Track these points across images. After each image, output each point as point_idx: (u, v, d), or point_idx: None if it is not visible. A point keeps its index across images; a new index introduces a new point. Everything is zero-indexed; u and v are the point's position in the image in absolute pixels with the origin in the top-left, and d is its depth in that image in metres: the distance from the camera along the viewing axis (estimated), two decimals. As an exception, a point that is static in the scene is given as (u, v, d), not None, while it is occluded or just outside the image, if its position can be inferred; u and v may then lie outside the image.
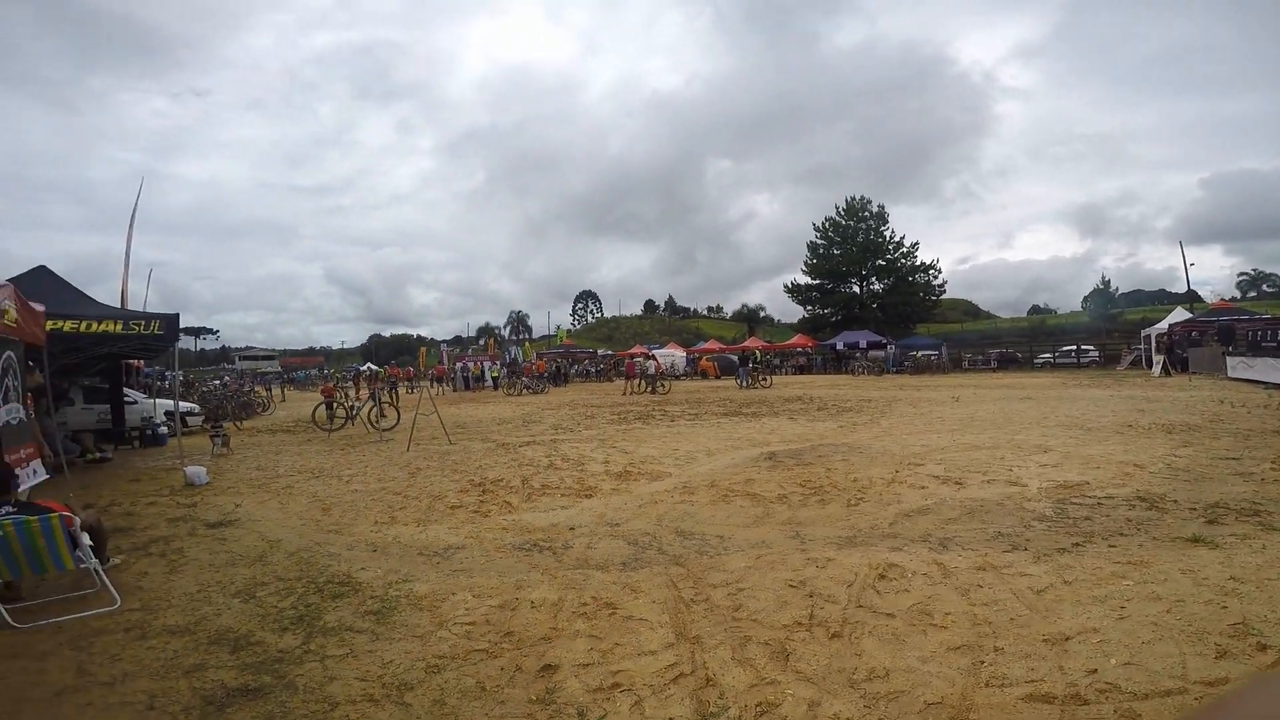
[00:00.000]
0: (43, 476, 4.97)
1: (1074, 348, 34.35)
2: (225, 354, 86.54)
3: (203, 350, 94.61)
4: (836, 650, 2.95)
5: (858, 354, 36.67)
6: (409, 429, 11.01)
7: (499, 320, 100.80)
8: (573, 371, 37.49)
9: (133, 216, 9.79)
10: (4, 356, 4.58)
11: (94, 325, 7.25)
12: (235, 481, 7.84)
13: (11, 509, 3.59)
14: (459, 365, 35.96)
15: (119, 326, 7.41)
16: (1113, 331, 41.28)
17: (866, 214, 52.20)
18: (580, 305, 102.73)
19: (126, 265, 9.62)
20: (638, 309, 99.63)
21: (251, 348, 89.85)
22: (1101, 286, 59.10)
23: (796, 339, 43.48)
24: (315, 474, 8.21)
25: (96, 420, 12.99)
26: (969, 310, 78.31)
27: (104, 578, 3.66)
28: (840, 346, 39.31)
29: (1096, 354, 32.82)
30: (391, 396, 14.80)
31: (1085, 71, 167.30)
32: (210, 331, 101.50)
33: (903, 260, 50.62)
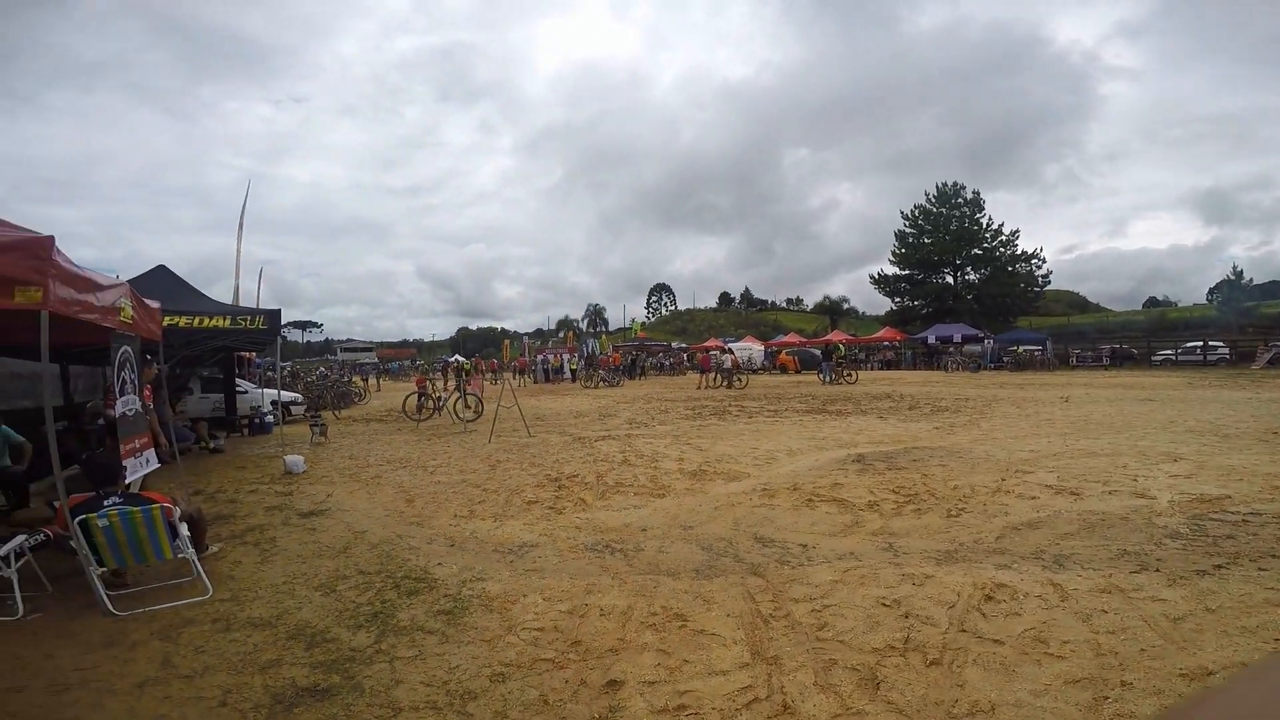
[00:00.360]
0: (154, 465, 5.37)
1: (1200, 344, 30.51)
2: (328, 346, 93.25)
3: (309, 342, 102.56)
4: (934, 680, 2.63)
5: (951, 349, 34.39)
6: (491, 421, 11.25)
7: (577, 313, 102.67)
8: (648, 365, 37.53)
9: (241, 217, 10.55)
10: (122, 351, 4.96)
11: (205, 321, 7.84)
12: (329, 470, 8.27)
13: (119, 499, 3.83)
14: (539, 358, 36.93)
15: (227, 322, 7.98)
16: (1246, 326, 36.41)
17: (960, 200, 48.91)
18: (654, 298, 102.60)
19: (238, 263, 10.39)
20: (712, 301, 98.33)
21: (352, 340, 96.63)
22: (1232, 277, 51.98)
23: (884, 332, 41.34)
24: (402, 464, 8.52)
25: (212, 409, 14.24)
26: (1074, 303, 71.66)
27: (199, 567, 3.86)
28: (932, 340, 37.00)
29: (1226, 351, 29.02)
30: (478, 388, 15.21)
31: (1200, 50, 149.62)
32: (315, 325, 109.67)
33: (1001, 249, 47.05)
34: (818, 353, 34.11)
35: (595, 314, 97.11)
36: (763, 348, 39.24)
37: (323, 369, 34.14)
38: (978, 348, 32.61)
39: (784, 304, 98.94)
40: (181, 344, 9.45)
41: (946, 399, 15.33)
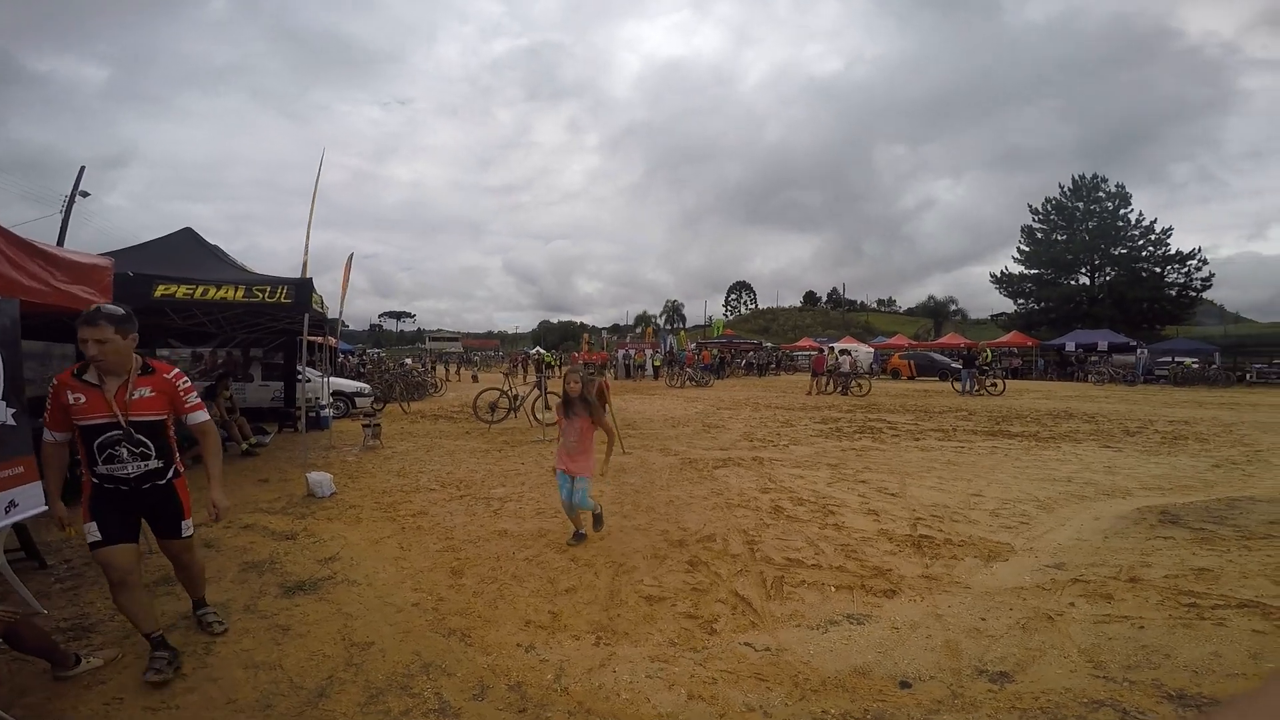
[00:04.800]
0: (35, 509, 3.20)
1: None
2: (420, 335, 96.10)
3: (402, 331, 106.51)
4: None
5: (1095, 357, 29.25)
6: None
7: (655, 309, 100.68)
8: (739, 364, 34.43)
9: (315, 190, 8.66)
10: None
11: (211, 291, 5.83)
12: (362, 496, 6.06)
13: None
14: (620, 353, 34.66)
15: (240, 293, 5.94)
16: None
17: (1100, 194, 42.82)
18: (734, 296, 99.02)
19: (307, 243, 8.53)
20: (795, 300, 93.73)
21: (441, 330, 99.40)
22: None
23: (1010, 337, 36.20)
24: (460, 491, 6.20)
25: (271, 399, 12.70)
26: (1207, 311, 61.86)
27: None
28: (1070, 347, 31.86)
29: None
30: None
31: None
32: (409, 315, 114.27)
33: (1150, 249, 40.58)
34: (940, 357, 30.05)
35: (673, 310, 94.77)
36: (870, 349, 35.17)
37: (408, 360, 33.35)
38: (1130, 357, 27.44)
39: (875, 305, 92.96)
40: (240, 325, 7.70)
41: (1159, 420, 11.59)
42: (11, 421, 3.13)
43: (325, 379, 12.88)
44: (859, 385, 18.42)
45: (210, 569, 4.02)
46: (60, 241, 18.69)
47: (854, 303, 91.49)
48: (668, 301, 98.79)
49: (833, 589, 3.57)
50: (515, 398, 12.28)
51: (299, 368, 13.32)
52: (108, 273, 4.07)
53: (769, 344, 46.62)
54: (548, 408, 12.49)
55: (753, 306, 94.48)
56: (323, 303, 8.10)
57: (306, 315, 6.46)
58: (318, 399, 12.67)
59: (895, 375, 29.34)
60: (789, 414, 13.03)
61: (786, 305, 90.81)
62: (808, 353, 34.09)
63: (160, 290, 5.64)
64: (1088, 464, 7.19)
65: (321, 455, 8.59)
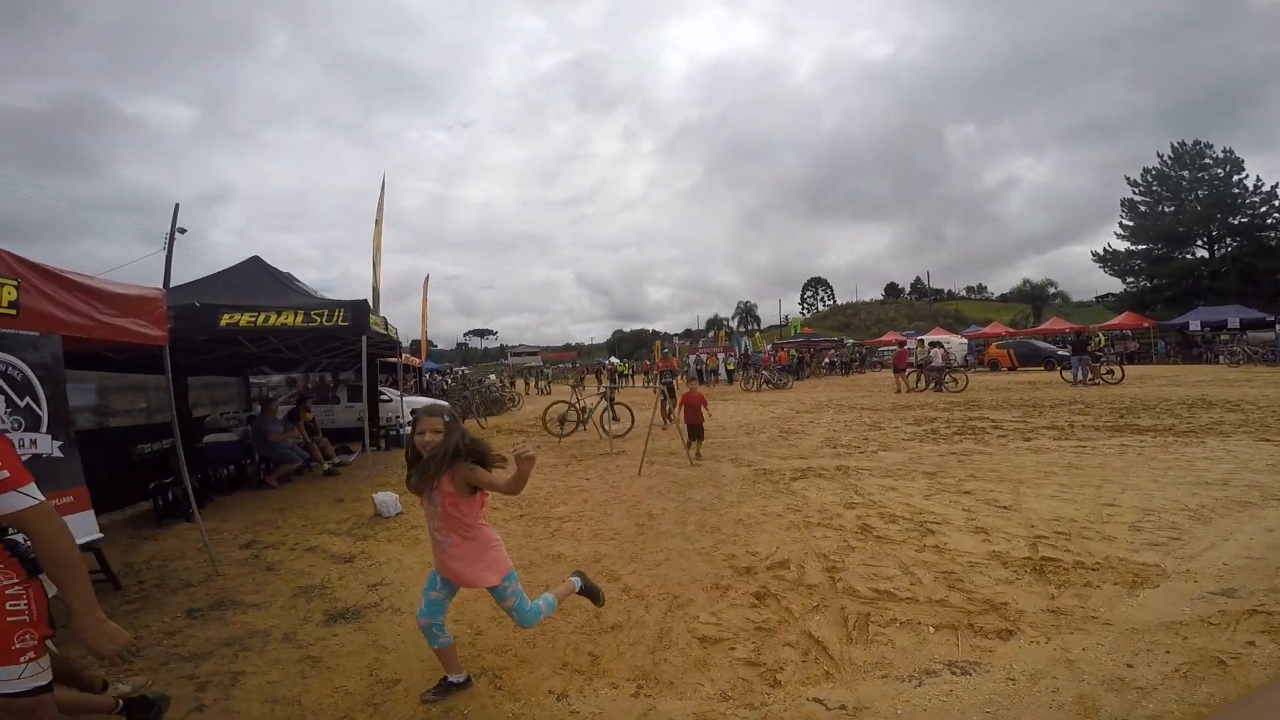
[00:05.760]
0: (88, 537, 3.20)
1: None
2: (502, 351, 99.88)
3: (486, 348, 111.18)
4: None
5: (1226, 336, 25.72)
6: (644, 439, 8.41)
7: (726, 312, 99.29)
8: (821, 364, 33.00)
9: (378, 214, 8.88)
10: None
11: (272, 318, 5.98)
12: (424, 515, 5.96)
13: None
14: (692, 358, 34.15)
15: (299, 318, 6.04)
16: None
17: (1206, 161, 38.55)
18: (809, 293, 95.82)
19: (375, 263, 8.76)
20: (876, 293, 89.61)
21: (522, 345, 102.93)
22: None
23: (1123, 318, 32.64)
24: (522, 508, 5.97)
25: (357, 419, 13.19)
26: None
27: None
28: (1194, 326, 28.27)
29: None
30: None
31: None
32: (491, 332, 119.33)
33: (1276, 215, 35.90)
34: (1044, 344, 27.50)
35: (746, 311, 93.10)
36: (963, 340, 32.73)
37: (491, 376, 34.31)
38: (1268, 334, 23.88)
39: (964, 292, 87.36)
40: (264, 346, 8.00)
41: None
42: (59, 454, 3.14)
43: (401, 398, 13.21)
44: (954, 380, 16.98)
45: (265, 592, 3.97)
46: (166, 277, 20.49)
47: (940, 292, 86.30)
48: (739, 303, 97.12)
49: (931, 629, 2.97)
50: (583, 410, 12.09)
51: (381, 389, 13.86)
52: (159, 304, 4.12)
53: (851, 340, 44.56)
54: (616, 419, 12.28)
55: (830, 303, 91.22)
56: (386, 324, 8.20)
57: (365, 337, 6.48)
58: (397, 418, 13.04)
59: (994, 366, 27.02)
60: (877, 415, 12.08)
61: (867, 299, 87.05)
62: (894, 348, 32.15)
63: (226, 319, 5.81)
64: (1245, 462, 6.01)
65: (397, 474, 8.67)
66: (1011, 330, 37.60)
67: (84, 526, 3.22)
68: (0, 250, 2.86)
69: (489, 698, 2.56)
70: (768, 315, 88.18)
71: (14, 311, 2.89)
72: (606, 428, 10.94)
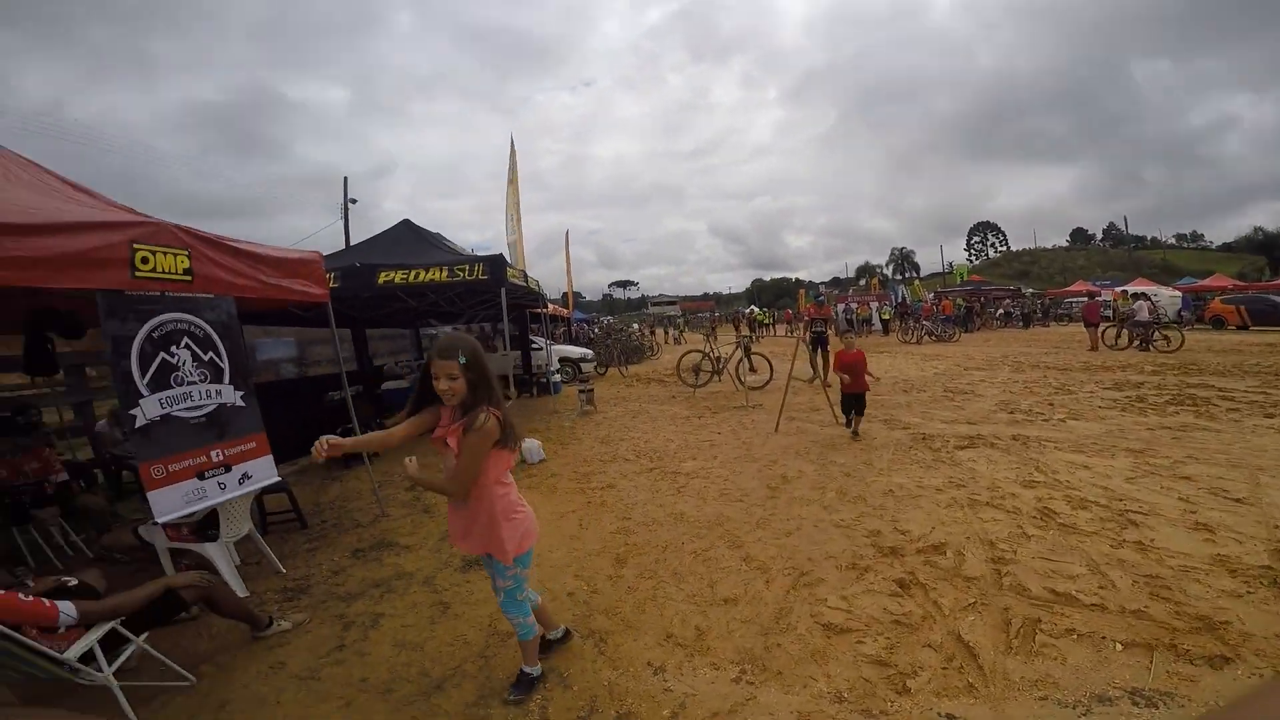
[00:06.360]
0: (267, 480, 3.62)
1: None
2: (643, 301, 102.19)
3: (628, 299, 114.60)
4: None
5: None
6: (783, 392, 7.96)
7: (879, 259, 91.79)
8: (995, 315, 29.29)
9: (511, 174, 9.13)
10: (162, 321, 3.20)
11: (421, 274, 6.45)
12: (565, 463, 6.19)
13: None
14: (840, 307, 32.02)
15: (444, 274, 6.44)
16: None
17: None
18: (977, 239, 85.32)
19: (511, 220, 9.10)
20: (1059, 239, 77.96)
21: (662, 295, 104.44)
22: None
23: None
24: (651, 463, 5.95)
25: (514, 366, 14.11)
26: None
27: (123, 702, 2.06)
28: None
29: None
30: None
31: None
32: (632, 283, 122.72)
33: None
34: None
35: (902, 258, 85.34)
36: (1175, 293, 27.08)
37: (635, 325, 35.17)
38: None
39: (1172, 241, 72.77)
40: (422, 300, 8.66)
41: None
42: (240, 403, 3.56)
43: (548, 347, 13.82)
44: (1165, 338, 14.06)
45: (418, 535, 4.31)
46: (346, 243, 23.15)
47: (1142, 239, 72.96)
48: (894, 249, 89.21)
49: (1117, 645, 2.39)
50: (718, 360, 11.79)
51: (531, 338, 14.65)
52: (317, 265, 4.50)
53: (1030, 290, 39.02)
54: (753, 369, 11.83)
55: (1003, 249, 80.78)
56: (525, 277, 8.48)
57: (504, 289, 6.74)
58: (546, 366, 13.74)
59: (1218, 324, 22.02)
60: (1065, 376, 10.37)
61: (1049, 245, 76.15)
62: (1083, 298, 27.51)
63: (383, 277, 6.35)
64: None
65: (544, 420, 9.13)
66: (1239, 284, 30.37)
67: (264, 470, 3.67)
68: (172, 225, 3.21)
69: (590, 661, 2.52)
70: (927, 262, 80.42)
71: (189, 278, 3.26)
72: (742, 379, 10.57)
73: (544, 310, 13.95)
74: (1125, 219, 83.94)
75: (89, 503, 4.35)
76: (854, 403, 6.49)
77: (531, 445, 6.50)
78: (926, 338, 21.38)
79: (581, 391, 9.99)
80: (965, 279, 42.03)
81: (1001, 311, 29.50)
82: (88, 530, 4.40)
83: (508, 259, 8.18)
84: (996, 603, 2.79)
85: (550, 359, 13.88)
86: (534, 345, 14.63)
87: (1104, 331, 15.50)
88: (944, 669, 2.32)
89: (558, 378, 13.48)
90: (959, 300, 28.52)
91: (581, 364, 15.63)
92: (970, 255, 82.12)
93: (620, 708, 2.21)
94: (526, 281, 8.06)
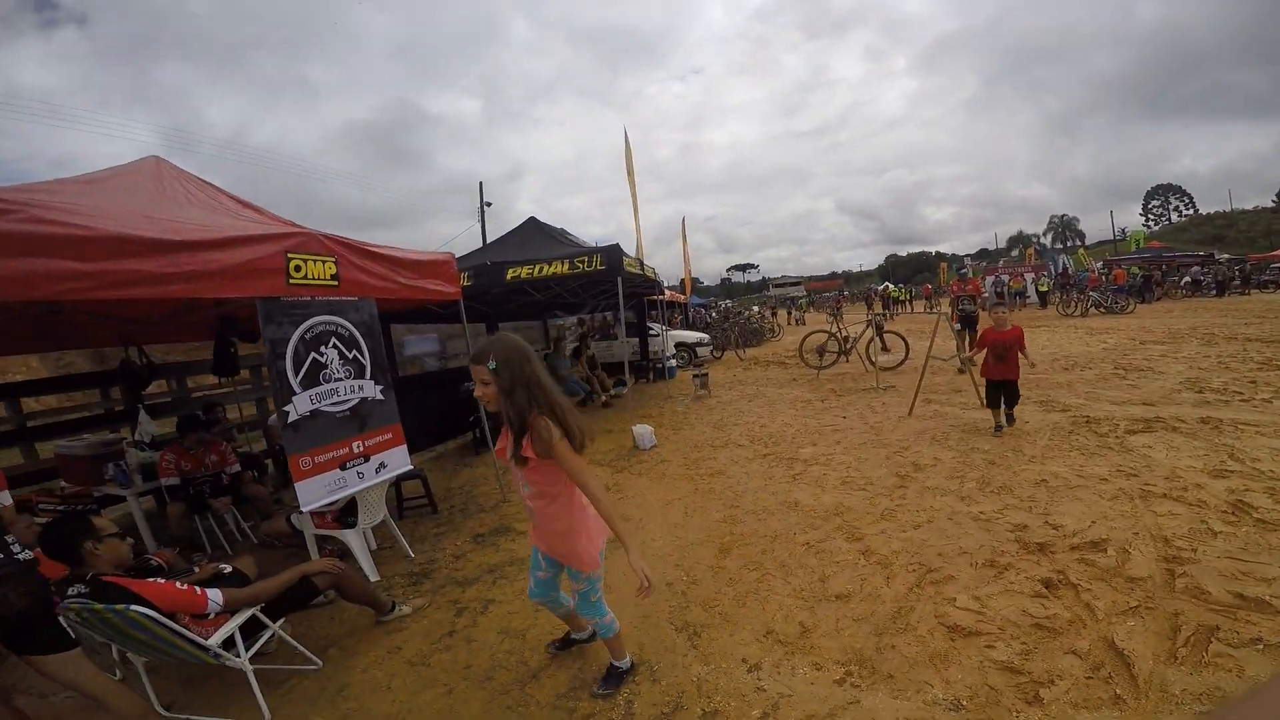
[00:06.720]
0: (402, 468, 3.95)
1: None
2: (764, 284, 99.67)
3: (749, 282, 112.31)
4: None
5: None
6: (918, 374, 7.36)
7: (1034, 228, 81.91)
8: (1180, 283, 25.00)
9: (629, 164, 9.28)
10: (316, 324, 3.56)
11: (544, 268, 6.78)
12: (676, 448, 6.19)
13: (83, 588, 2.22)
14: (989, 279, 28.98)
15: (565, 267, 6.69)
16: None
17: None
18: (1156, 203, 73.57)
19: (635, 206, 9.25)
20: (1261, 200, 65.21)
21: (785, 276, 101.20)
22: None
23: None
24: (765, 448, 5.77)
25: (631, 353, 14.39)
26: None
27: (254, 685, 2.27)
28: None
29: None
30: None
31: None
32: (752, 266, 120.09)
33: None
34: None
35: (1064, 226, 75.62)
36: None
37: (755, 307, 34.51)
38: None
39: None
40: (548, 293, 9.03)
41: None
42: (380, 396, 3.92)
43: (664, 332, 13.88)
44: None
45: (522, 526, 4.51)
46: (483, 244, 24.73)
47: None
48: (1053, 217, 79.06)
49: None
50: (846, 340, 11.14)
51: (649, 324, 14.84)
52: (450, 266, 4.83)
53: (1225, 256, 32.77)
54: (885, 349, 11.04)
55: (1189, 213, 69.06)
56: (641, 265, 8.56)
57: (620, 278, 6.86)
58: (662, 351, 13.84)
59: None
60: (1272, 350, 8.58)
61: (1248, 207, 64.02)
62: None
63: (510, 273, 6.74)
64: None
65: (658, 406, 9.21)
66: None
67: (399, 460, 4.01)
68: (320, 234, 3.58)
69: (681, 655, 2.47)
70: (1094, 230, 70.71)
71: (335, 282, 3.62)
72: (873, 359, 9.91)
73: (660, 297, 14.04)
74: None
75: (253, 492, 4.93)
76: (1004, 392, 5.38)
77: (644, 431, 6.56)
78: (1093, 309, 18.76)
79: (695, 376, 9.94)
80: (1142, 245, 36.23)
81: (1188, 279, 25.09)
82: (254, 518, 5.05)
83: (631, 249, 8.37)
84: (1165, 607, 2.37)
85: (666, 344, 13.96)
86: (651, 332, 14.79)
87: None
88: (1088, 678, 2.01)
89: (673, 362, 13.53)
90: (1134, 269, 24.70)
91: (697, 348, 15.56)
92: (1148, 221, 71.22)
93: (708, 705, 2.14)
94: (643, 270, 8.16)
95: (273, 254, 3.36)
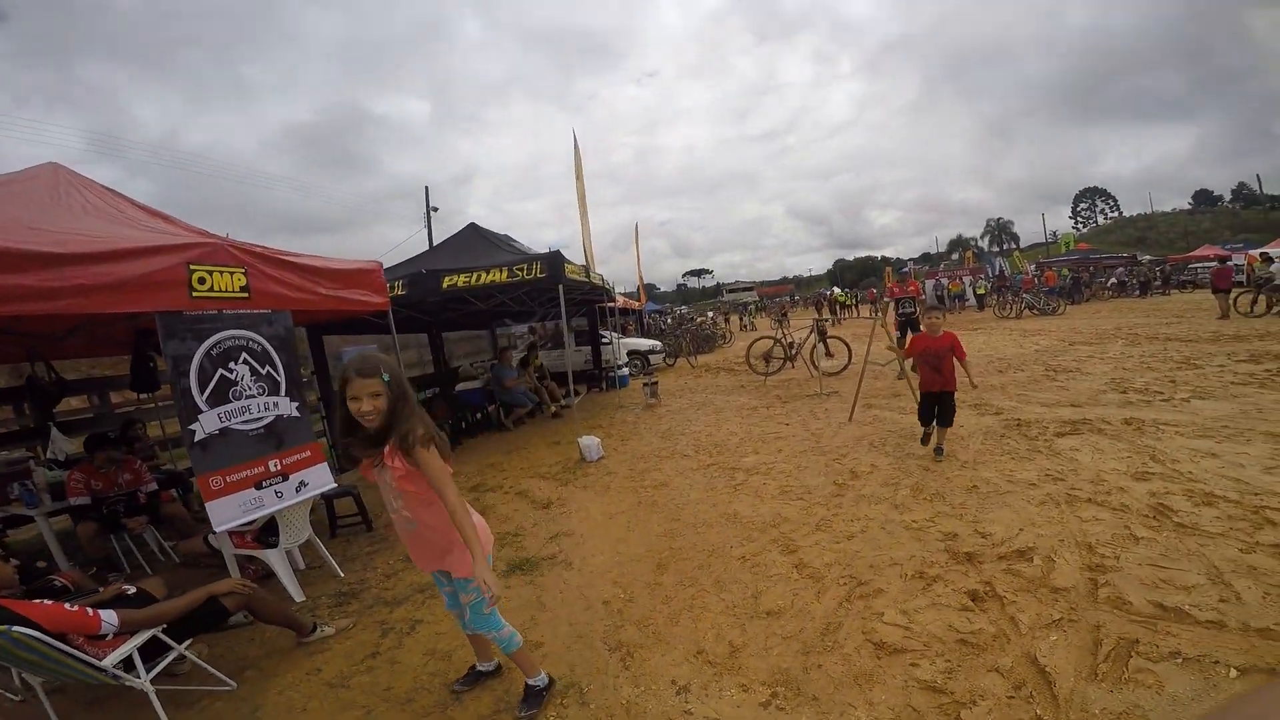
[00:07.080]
0: (324, 487, 3.74)
1: None
2: (719, 289, 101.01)
3: (704, 287, 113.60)
4: None
5: None
6: (858, 378, 7.48)
7: (973, 231, 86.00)
8: (1106, 284, 26.51)
9: (578, 170, 9.12)
10: (222, 339, 3.34)
11: (483, 276, 6.55)
12: (623, 460, 6.10)
13: None
14: (930, 283, 30.09)
15: (504, 275, 6.50)
16: None
17: None
18: (1084, 205, 78.46)
19: (582, 215, 9.07)
20: (1179, 202, 70.38)
21: (738, 281, 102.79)
22: None
23: None
24: (711, 457, 5.75)
25: (584, 362, 14.22)
26: None
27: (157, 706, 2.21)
28: None
29: None
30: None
31: None
32: (706, 271, 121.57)
33: None
34: None
35: (999, 229, 79.63)
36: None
37: (709, 313, 34.82)
38: None
39: None
40: (490, 302, 8.82)
41: None
42: (295, 413, 3.70)
43: (616, 340, 13.79)
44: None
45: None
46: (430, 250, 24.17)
47: (1277, 198, 64.51)
48: (990, 220, 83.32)
49: (1233, 671, 1.97)
50: (790, 346, 11.31)
51: (601, 332, 14.71)
52: (376, 274, 4.63)
53: (1147, 257, 35.11)
54: (829, 354, 11.26)
55: (1114, 215, 73.83)
56: (587, 272, 8.44)
57: (561, 285, 6.72)
58: (613, 360, 13.74)
59: None
60: (1190, 348, 9.14)
61: (1167, 209, 68.99)
62: (1212, 263, 24.31)
63: (447, 281, 6.49)
64: None
65: (609, 415, 9.09)
66: None
67: (320, 478, 3.80)
68: (230, 243, 3.36)
69: (612, 676, 2.39)
70: (1028, 232, 74.66)
71: (246, 294, 3.40)
72: (817, 364, 10.07)
73: (611, 304, 13.93)
74: (1259, 177, 74.06)
75: (172, 511, 4.67)
76: (937, 406, 4.88)
77: (590, 442, 6.44)
78: (1026, 311, 19.67)
79: (646, 385, 9.89)
80: (1072, 248, 38.37)
81: (1114, 280, 26.65)
82: (175, 538, 4.77)
83: (581, 255, 8.21)
84: (1088, 618, 2.41)
85: (618, 353, 13.86)
86: (604, 340, 14.68)
87: (1236, 298, 13.60)
88: (1009, 698, 2.01)
89: (625, 371, 13.44)
90: (1064, 270, 26.07)
91: (650, 356, 15.53)
92: (1077, 223, 75.55)
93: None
94: (589, 277, 8.02)
95: (172, 266, 3.13)
